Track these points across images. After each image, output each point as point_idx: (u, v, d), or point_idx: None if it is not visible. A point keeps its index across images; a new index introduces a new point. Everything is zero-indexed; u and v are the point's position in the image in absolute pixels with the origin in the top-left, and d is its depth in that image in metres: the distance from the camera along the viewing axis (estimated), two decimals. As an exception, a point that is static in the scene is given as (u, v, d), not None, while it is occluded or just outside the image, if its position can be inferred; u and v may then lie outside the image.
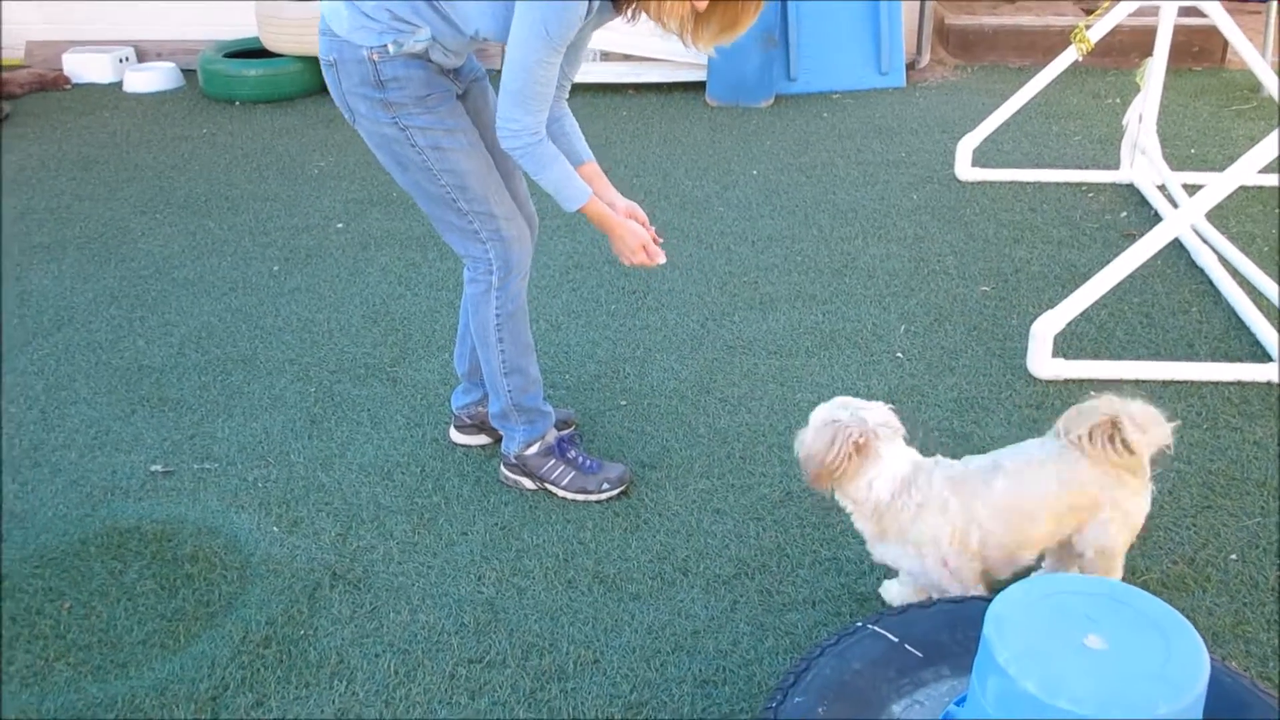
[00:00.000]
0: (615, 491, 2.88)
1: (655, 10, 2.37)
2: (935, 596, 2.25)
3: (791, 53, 6.22)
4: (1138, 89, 4.61)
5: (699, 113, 6.03)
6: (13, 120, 6.39)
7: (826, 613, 2.47)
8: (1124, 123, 4.79)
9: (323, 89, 6.64)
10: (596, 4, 2.36)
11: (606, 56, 6.76)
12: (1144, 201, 4.60)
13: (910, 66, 6.56)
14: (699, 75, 6.33)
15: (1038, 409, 3.17)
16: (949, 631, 2.02)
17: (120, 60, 7.21)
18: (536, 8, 2.30)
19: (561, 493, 2.89)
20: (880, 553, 2.31)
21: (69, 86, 7.11)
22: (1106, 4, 4.36)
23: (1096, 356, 3.42)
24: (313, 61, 6.60)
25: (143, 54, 7.40)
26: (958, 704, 1.86)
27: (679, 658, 2.37)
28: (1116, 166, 4.86)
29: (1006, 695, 1.57)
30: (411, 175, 2.64)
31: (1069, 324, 3.37)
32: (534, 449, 2.90)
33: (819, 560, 2.63)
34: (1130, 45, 6.41)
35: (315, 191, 5.10)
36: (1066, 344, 3.43)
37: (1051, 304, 3.53)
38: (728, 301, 3.88)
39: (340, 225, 4.68)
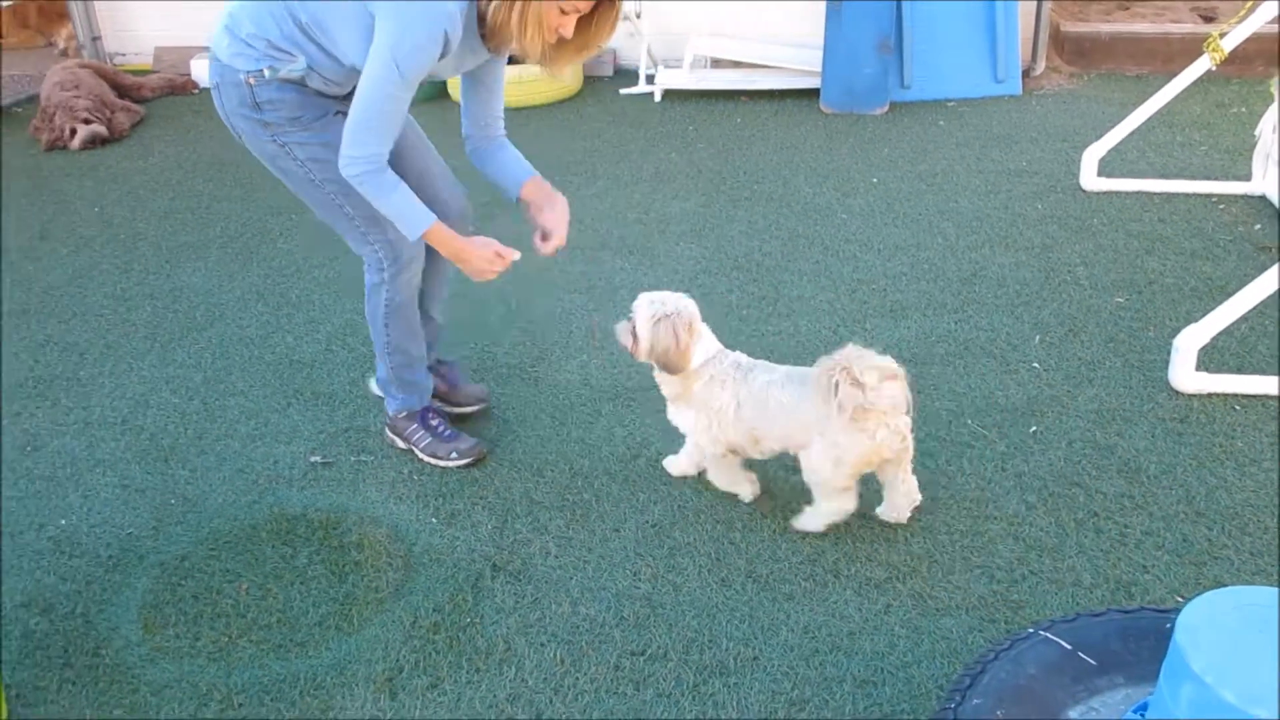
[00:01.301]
0: (464, 461, 3.12)
1: (519, 46, 2.53)
2: (700, 464, 2.91)
3: (906, 60, 6.23)
4: (1269, 99, 4.55)
5: (814, 120, 6.06)
6: (146, 123, 6.63)
7: (980, 618, 2.51)
8: (1256, 133, 4.73)
9: (440, 95, 6.81)
10: (457, 37, 2.50)
11: (718, 63, 6.83)
12: (1277, 214, 4.55)
13: (1025, 74, 6.52)
14: (812, 82, 6.36)
15: (1182, 422, 3.17)
16: (1121, 640, 2.04)
17: (245, 65, 7.42)
18: (390, 46, 2.45)
19: (420, 455, 3.17)
20: (673, 414, 2.87)
21: (196, 90, 7.36)
22: (1244, 9, 4.32)
23: (1240, 370, 3.40)
24: (433, 67, 6.75)
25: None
26: (1136, 712, 1.89)
27: (837, 658, 2.42)
28: (1247, 178, 4.80)
29: (1202, 703, 1.60)
30: (298, 185, 2.84)
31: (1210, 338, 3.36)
32: (405, 414, 3.18)
33: (970, 566, 2.66)
34: (1254, 54, 6.31)
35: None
36: (1207, 357, 3.42)
37: (1189, 317, 3.52)
38: (857, 309, 3.92)
39: (472, 229, 4.79)
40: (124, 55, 7.92)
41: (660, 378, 2.83)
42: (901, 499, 2.78)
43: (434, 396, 3.28)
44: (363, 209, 2.79)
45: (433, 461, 3.14)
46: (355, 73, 2.61)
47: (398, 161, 2.77)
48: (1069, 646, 2.03)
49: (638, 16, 6.72)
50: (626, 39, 7.10)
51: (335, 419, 3.39)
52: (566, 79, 2.50)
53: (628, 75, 7.03)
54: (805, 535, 2.79)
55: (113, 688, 2.41)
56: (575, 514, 2.92)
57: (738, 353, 2.83)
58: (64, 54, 8.38)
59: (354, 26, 2.55)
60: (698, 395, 2.79)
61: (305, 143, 2.74)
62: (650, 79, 6.68)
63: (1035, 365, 3.51)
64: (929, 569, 2.66)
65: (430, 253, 3.05)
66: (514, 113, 6.37)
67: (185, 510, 3.00)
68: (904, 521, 2.81)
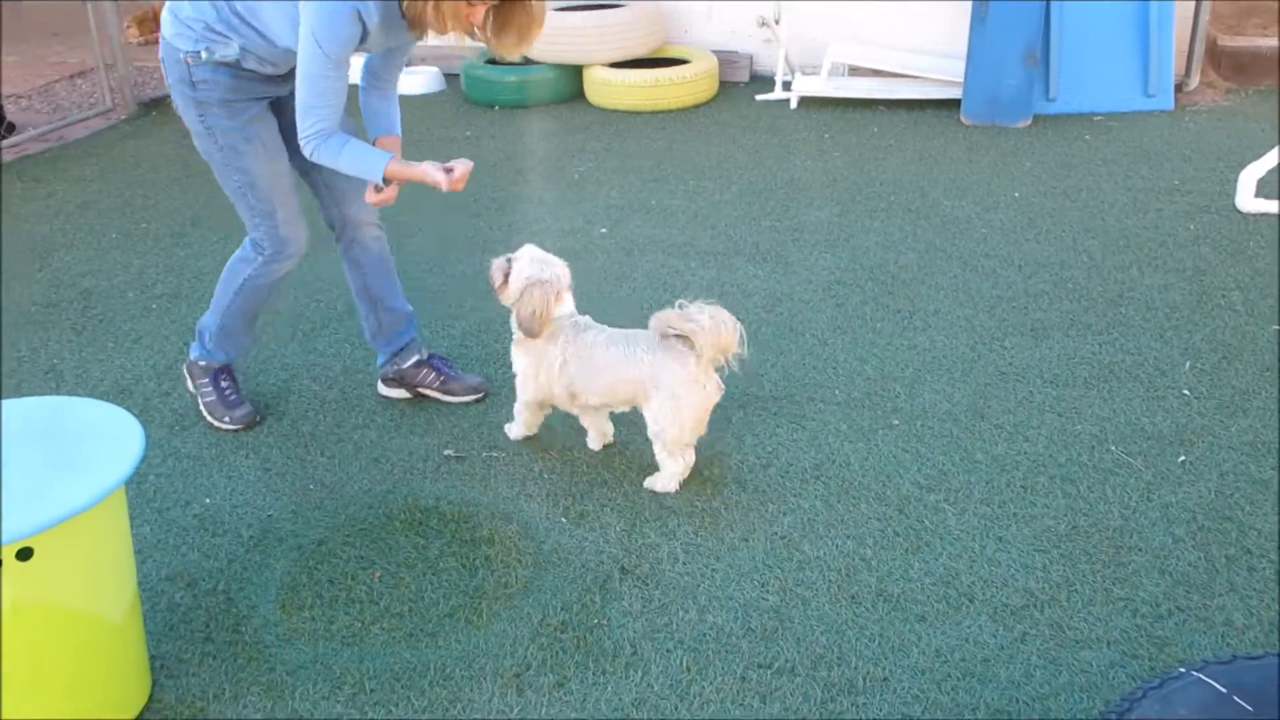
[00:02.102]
0: (235, 426, 3.36)
1: (443, 33, 2.79)
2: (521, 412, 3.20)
3: (1052, 71, 6.07)
4: None
5: (953, 131, 5.95)
6: (294, 116, 6.82)
7: (1122, 653, 2.42)
8: None
9: (576, 95, 6.87)
10: (375, 22, 2.73)
11: (856, 71, 6.75)
12: None
13: (1178, 89, 6.30)
14: (953, 93, 6.24)
15: (1344, 459, 3.02)
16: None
17: (388, 62, 7.59)
18: (312, 33, 2.69)
19: (201, 408, 3.42)
20: (513, 354, 3.12)
21: (342, 86, 7.54)
22: None
23: None
24: (570, 69, 6.83)
25: (408, 58, 7.78)
26: (1295, 762, 1.80)
27: (970, 684, 2.36)
28: None
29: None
30: (215, 167, 3.10)
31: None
32: (203, 364, 3.42)
33: (1111, 599, 2.57)
34: None
35: (577, 196, 5.27)
36: (1373, 392, 3.25)
37: (1355, 349, 3.35)
38: (997, 326, 3.83)
39: (604, 230, 4.83)
40: (274, 51, 8.16)
41: (513, 320, 3.06)
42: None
43: (430, 389, 3.52)
44: (263, 203, 3.09)
45: (208, 419, 3.40)
46: (290, 54, 2.84)
47: (315, 166, 3.05)
48: (1223, 690, 1.94)
49: (776, 23, 6.68)
50: (763, 45, 7.07)
51: (468, 414, 3.44)
52: (515, 56, 2.79)
53: (764, 81, 6.99)
54: (943, 552, 2.73)
55: (250, 665, 2.48)
56: (704, 521, 2.91)
57: (585, 316, 3.08)
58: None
59: (283, 14, 2.79)
60: (537, 344, 3.02)
61: (227, 130, 2.99)
62: (787, 85, 6.63)
63: (1185, 392, 3.38)
64: (1068, 598, 2.58)
65: (350, 241, 3.37)
66: (649, 116, 6.43)
67: (323, 496, 3.07)
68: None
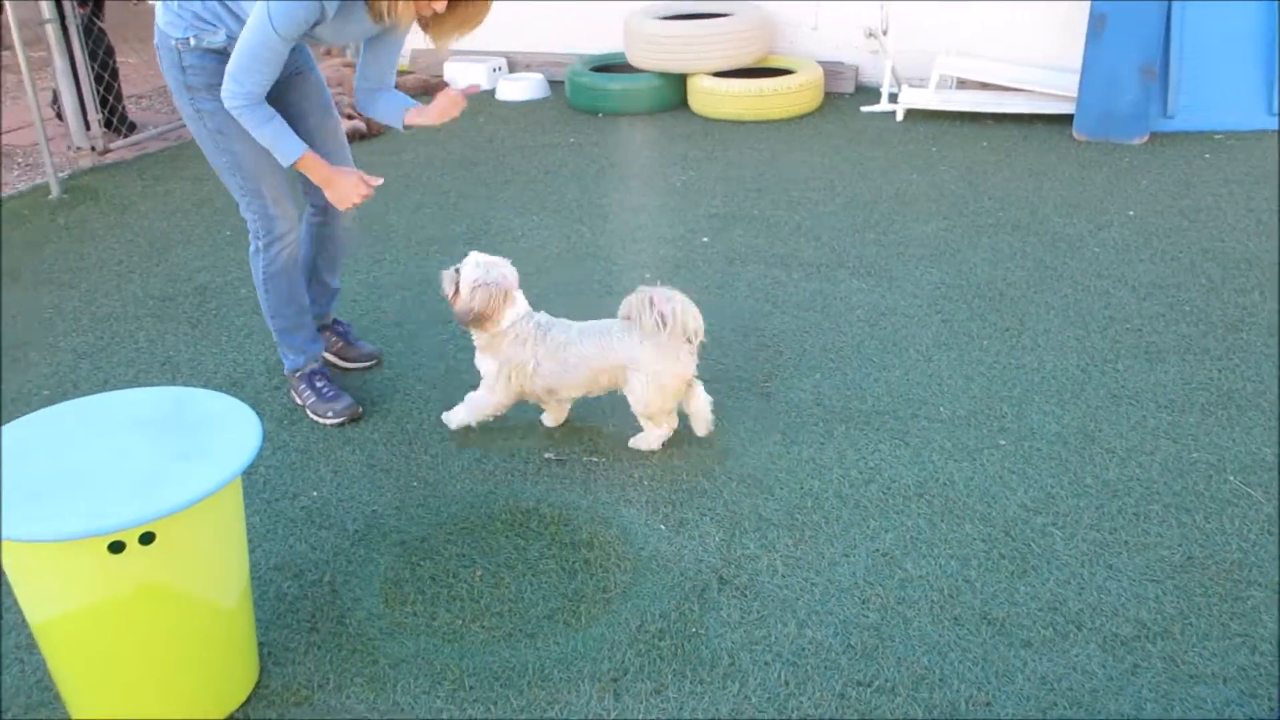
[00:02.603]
0: (338, 420, 3.44)
1: (395, 17, 2.92)
2: (482, 416, 3.30)
3: (1171, 87, 5.91)
4: None
5: (1065, 147, 5.83)
6: (402, 120, 6.94)
7: (1240, 691, 2.34)
8: None
9: (679, 104, 6.88)
10: (332, 14, 2.90)
11: (964, 84, 6.65)
12: None
13: (1303, 110, 6.09)
14: (1065, 108, 6.12)
15: None
16: None
17: (494, 70, 7.71)
18: (267, 4, 2.84)
19: (308, 414, 3.50)
20: (478, 361, 3.24)
21: (449, 91, 7.65)
22: None
23: None
24: (674, 78, 6.84)
25: (514, 64, 7.89)
26: None
27: (1077, 714, 2.30)
28: None
29: None
30: (206, 149, 3.25)
31: None
32: (296, 374, 3.53)
33: (1228, 634, 2.49)
34: None
35: (679, 204, 5.28)
36: None
37: None
38: (1109, 348, 3.73)
39: (705, 239, 4.83)
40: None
41: (474, 331, 3.20)
42: (702, 408, 3.23)
43: (330, 352, 3.74)
44: (250, 183, 3.23)
45: (315, 420, 3.48)
46: None
47: (317, 146, 3.25)
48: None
49: (884, 34, 6.61)
50: (870, 56, 7.02)
51: (570, 417, 3.45)
52: (446, 49, 2.97)
53: (869, 93, 6.93)
54: (1050, 576, 2.67)
55: (354, 656, 2.52)
56: (804, 534, 2.88)
57: (541, 313, 3.23)
58: (328, 53, 8.87)
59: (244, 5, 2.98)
60: (504, 350, 3.16)
61: (214, 113, 3.13)
62: (893, 97, 6.57)
63: (1308, 422, 3.26)
64: (1183, 631, 2.50)
65: (324, 221, 3.55)
66: (753, 126, 6.42)
67: (426, 493, 3.11)
68: (711, 430, 3.26)
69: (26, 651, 2.56)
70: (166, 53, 3.12)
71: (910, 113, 6.46)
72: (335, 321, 3.81)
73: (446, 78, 7.73)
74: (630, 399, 3.18)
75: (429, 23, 3.05)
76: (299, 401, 3.55)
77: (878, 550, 2.81)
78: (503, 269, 3.17)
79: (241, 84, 2.96)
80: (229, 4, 3.03)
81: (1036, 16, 6.53)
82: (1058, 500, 2.97)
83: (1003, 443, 3.24)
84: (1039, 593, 2.64)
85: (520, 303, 3.20)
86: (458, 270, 3.17)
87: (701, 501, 3.03)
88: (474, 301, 3.09)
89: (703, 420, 3.27)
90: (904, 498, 3.01)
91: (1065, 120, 6.11)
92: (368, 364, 3.81)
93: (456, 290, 3.15)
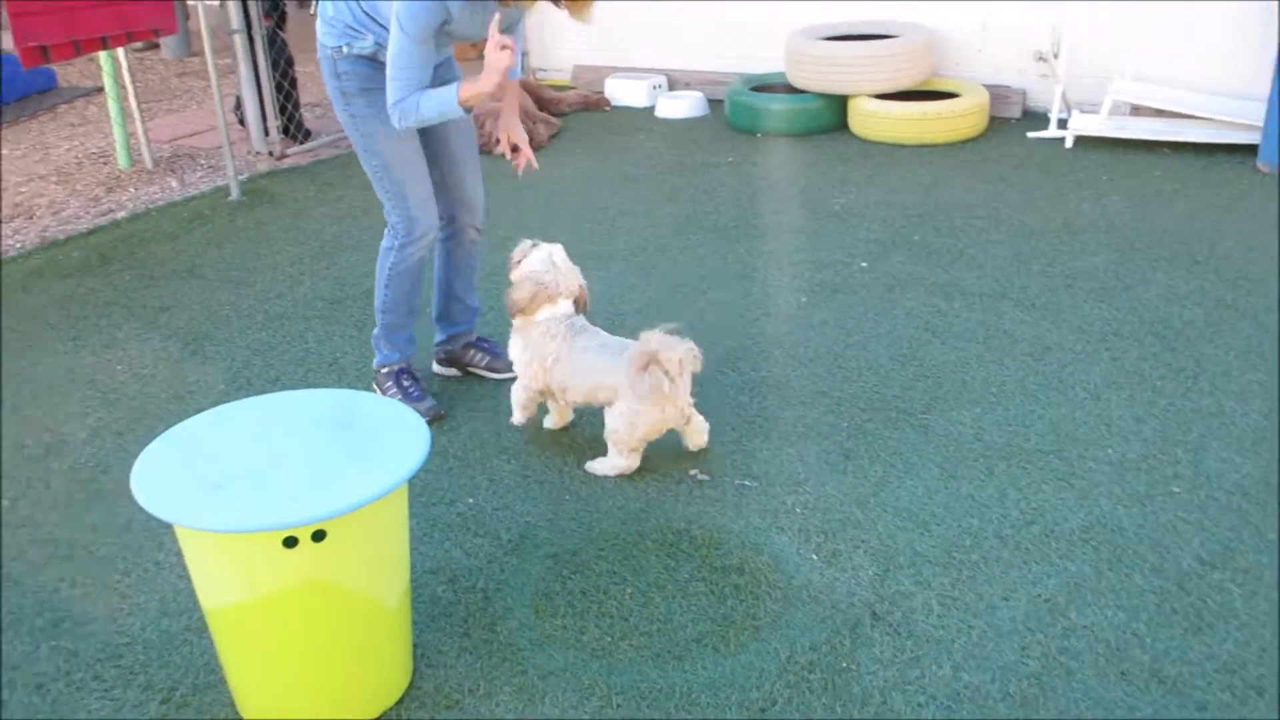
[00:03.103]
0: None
1: None
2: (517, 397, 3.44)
3: (1368, 123, 5.59)
4: None
5: (1248, 178, 5.56)
6: (562, 135, 7.06)
7: None
8: None
9: (839, 126, 6.82)
10: (458, 11, 3.05)
11: (1138, 111, 6.41)
12: None
13: None
14: (1248, 137, 5.84)
15: None
16: None
17: (654, 87, 7.76)
18: (396, 12, 2.99)
19: None
20: (511, 343, 3.38)
21: (609, 108, 7.75)
22: None
23: None
24: (834, 99, 6.78)
25: (673, 82, 7.93)
26: None
27: (1253, 782, 2.18)
28: None
29: None
30: (357, 151, 3.43)
31: None
32: (385, 369, 3.70)
33: None
34: None
35: (838, 228, 5.22)
36: None
37: None
38: (1294, 395, 3.54)
39: (864, 264, 4.76)
40: (546, 70, 8.48)
41: (516, 318, 3.33)
42: (695, 435, 3.33)
43: (479, 367, 3.87)
44: (395, 186, 3.40)
45: None
46: None
47: (447, 162, 3.53)
48: None
49: (1054, 57, 6.43)
50: (1039, 80, 6.83)
51: (722, 441, 3.44)
52: (591, 20, 3.17)
53: (1036, 118, 6.75)
54: (1227, 636, 2.54)
55: (504, 665, 2.55)
56: (962, 574, 2.80)
57: (580, 318, 3.32)
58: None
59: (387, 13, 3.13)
60: (533, 337, 3.28)
61: (366, 117, 3.33)
62: (1062, 123, 6.37)
63: None
64: (1372, 703, 2.35)
65: (451, 234, 3.68)
66: (914, 150, 6.32)
67: (579, 507, 3.13)
68: (704, 445, 3.35)
69: (196, 634, 2.66)
70: (325, 61, 3.33)
71: (1080, 139, 6.26)
72: (479, 339, 3.93)
73: (607, 93, 7.82)
74: (606, 420, 3.25)
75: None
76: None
77: (1040, 596, 2.72)
78: (562, 276, 3.28)
79: (393, 90, 3.11)
80: (370, 12, 3.21)
81: (1219, 41, 6.26)
82: (1237, 555, 2.82)
83: (1176, 490, 3.10)
84: (1215, 653, 2.51)
85: (562, 305, 3.30)
86: (535, 244, 3.34)
87: (855, 533, 2.98)
88: (518, 290, 3.24)
89: (694, 440, 3.36)
90: (1068, 542, 2.91)
91: (1248, 150, 5.84)
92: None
93: (518, 263, 3.34)
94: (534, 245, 3.36)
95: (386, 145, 3.36)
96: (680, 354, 3.07)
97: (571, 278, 3.32)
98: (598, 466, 3.29)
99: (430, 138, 3.49)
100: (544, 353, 3.28)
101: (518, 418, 3.49)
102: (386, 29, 3.18)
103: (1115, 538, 2.91)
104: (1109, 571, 2.78)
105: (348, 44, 3.27)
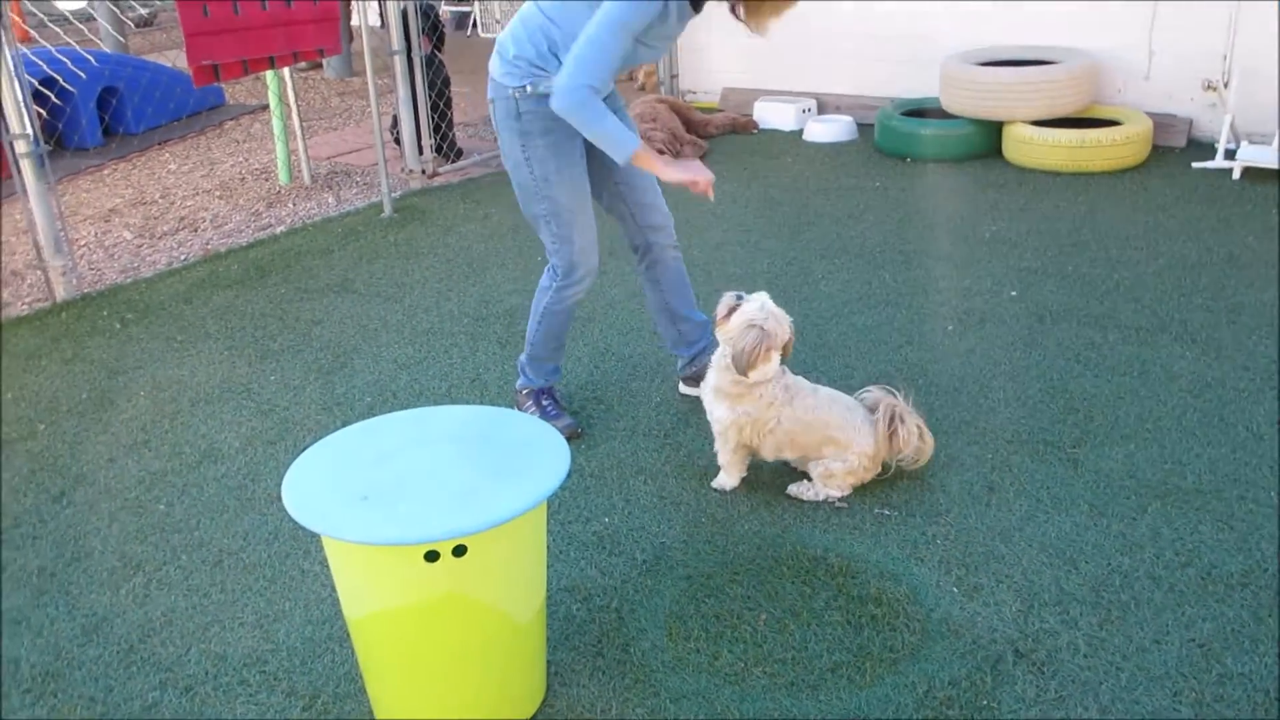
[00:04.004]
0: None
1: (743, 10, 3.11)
2: (729, 460, 3.30)
3: None
4: None
5: None
6: (709, 157, 7.09)
7: None
8: None
9: (992, 152, 6.68)
10: (674, 14, 3.06)
11: None
12: None
13: None
14: None
15: None
16: None
17: (803, 110, 7.73)
18: (617, 6, 2.95)
19: None
20: (714, 406, 3.25)
21: (756, 130, 7.76)
22: None
23: None
24: (988, 125, 6.64)
25: (823, 106, 7.89)
26: None
27: None
28: None
29: None
30: (525, 195, 3.39)
31: None
32: (527, 390, 3.73)
33: None
34: None
35: (987, 255, 5.10)
36: None
37: None
38: None
39: (1014, 293, 4.64)
40: (695, 93, 8.53)
41: (722, 367, 3.19)
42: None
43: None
44: (563, 229, 3.38)
45: None
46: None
47: (630, 190, 3.53)
48: None
49: (1225, 86, 6.18)
50: (1206, 109, 6.57)
51: (862, 467, 3.39)
52: (769, 33, 3.16)
53: (1203, 148, 6.49)
54: (1398, 700, 2.39)
55: (636, 686, 2.55)
56: (1110, 614, 2.70)
57: (785, 373, 3.21)
58: (641, 89, 9.18)
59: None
60: (746, 403, 3.17)
61: (544, 160, 3.30)
62: (1230, 154, 6.11)
63: None
64: None
65: (651, 261, 3.66)
66: (1071, 178, 6.14)
67: (714, 530, 3.13)
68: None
69: (338, 643, 2.74)
70: (503, 103, 3.29)
71: (1248, 171, 6.00)
72: (704, 350, 3.81)
73: (755, 116, 7.82)
74: (830, 464, 3.21)
75: (743, 7, 3.14)
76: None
77: (1193, 640, 2.60)
78: (778, 323, 3.11)
79: (581, 75, 3.01)
80: (555, 48, 3.16)
81: (1406, 70, 5.93)
82: None
83: (1346, 539, 2.93)
84: (1387, 712, 2.36)
85: (775, 362, 3.15)
86: (740, 298, 3.16)
87: (998, 567, 2.90)
88: (744, 340, 3.05)
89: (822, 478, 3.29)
90: (1226, 586, 2.77)
91: None
92: None
93: (728, 315, 3.14)
94: (739, 297, 3.16)
95: (561, 190, 3.33)
96: (919, 422, 3.26)
97: (785, 326, 3.14)
98: (807, 493, 3.26)
99: (610, 167, 3.44)
100: (763, 419, 3.17)
101: (732, 481, 3.33)
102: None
103: (1276, 583, 2.76)
104: (1269, 618, 2.64)
105: (531, 84, 3.21)
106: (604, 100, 3.28)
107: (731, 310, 3.14)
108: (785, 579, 2.90)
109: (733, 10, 3.19)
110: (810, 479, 3.27)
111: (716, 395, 3.23)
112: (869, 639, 2.66)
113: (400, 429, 2.47)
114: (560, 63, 3.13)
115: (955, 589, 2.82)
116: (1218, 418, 3.56)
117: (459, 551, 2.13)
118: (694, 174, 3.22)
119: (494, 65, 3.31)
